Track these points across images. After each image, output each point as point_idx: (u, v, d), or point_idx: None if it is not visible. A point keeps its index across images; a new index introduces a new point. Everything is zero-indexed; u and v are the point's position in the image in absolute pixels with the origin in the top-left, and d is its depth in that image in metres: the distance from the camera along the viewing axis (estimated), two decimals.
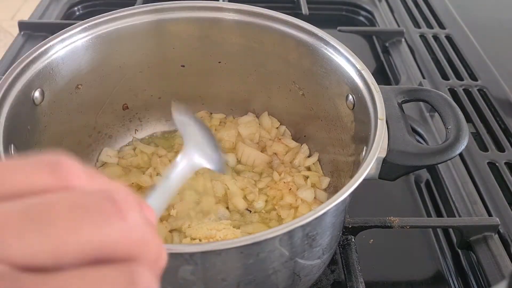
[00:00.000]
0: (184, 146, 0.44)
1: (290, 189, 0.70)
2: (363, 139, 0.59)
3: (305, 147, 0.77)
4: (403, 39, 1.11)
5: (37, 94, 0.62)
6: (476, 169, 0.81)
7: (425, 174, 0.84)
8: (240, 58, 0.75)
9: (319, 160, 0.75)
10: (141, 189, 0.71)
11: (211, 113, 0.82)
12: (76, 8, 1.19)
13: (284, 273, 0.52)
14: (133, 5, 0.71)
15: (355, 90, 0.63)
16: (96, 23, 0.67)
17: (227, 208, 0.69)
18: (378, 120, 0.56)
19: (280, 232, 0.45)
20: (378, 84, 0.60)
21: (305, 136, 0.78)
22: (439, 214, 0.77)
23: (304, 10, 1.17)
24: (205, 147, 0.47)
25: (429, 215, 0.77)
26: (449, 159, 0.58)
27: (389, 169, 0.58)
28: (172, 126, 0.82)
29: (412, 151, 0.57)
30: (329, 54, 0.66)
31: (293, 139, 0.79)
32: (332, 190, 0.72)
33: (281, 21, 0.70)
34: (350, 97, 0.64)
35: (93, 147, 0.75)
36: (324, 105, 0.71)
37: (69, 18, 1.16)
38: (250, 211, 0.69)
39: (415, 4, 1.26)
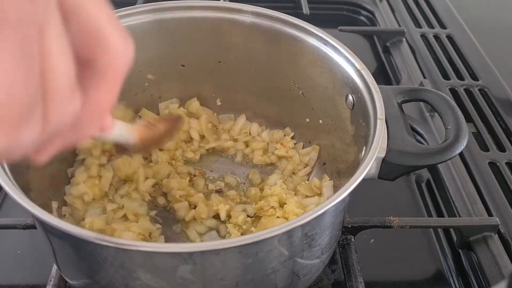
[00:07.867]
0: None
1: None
2: (362, 139, 0.59)
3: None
4: (404, 39, 1.10)
5: None
6: (476, 169, 0.81)
7: (426, 174, 0.84)
8: (239, 58, 0.75)
9: (319, 159, 0.75)
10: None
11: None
12: None
13: (283, 272, 0.52)
14: (134, 5, 0.71)
15: (354, 90, 0.63)
16: None
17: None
18: (378, 120, 0.56)
19: (279, 232, 0.45)
20: (378, 84, 0.60)
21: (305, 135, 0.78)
22: (439, 214, 0.77)
23: (305, 9, 1.17)
24: None
25: (429, 215, 0.77)
26: (449, 159, 0.58)
27: (388, 169, 0.58)
28: None
29: (411, 151, 0.57)
30: (329, 53, 0.66)
31: (293, 138, 0.79)
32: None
33: (282, 21, 0.70)
34: (350, 97, 0.64)
35: None
36: (324, 105, 0.71)
37: None
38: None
39: (416, 3, 1.26)
